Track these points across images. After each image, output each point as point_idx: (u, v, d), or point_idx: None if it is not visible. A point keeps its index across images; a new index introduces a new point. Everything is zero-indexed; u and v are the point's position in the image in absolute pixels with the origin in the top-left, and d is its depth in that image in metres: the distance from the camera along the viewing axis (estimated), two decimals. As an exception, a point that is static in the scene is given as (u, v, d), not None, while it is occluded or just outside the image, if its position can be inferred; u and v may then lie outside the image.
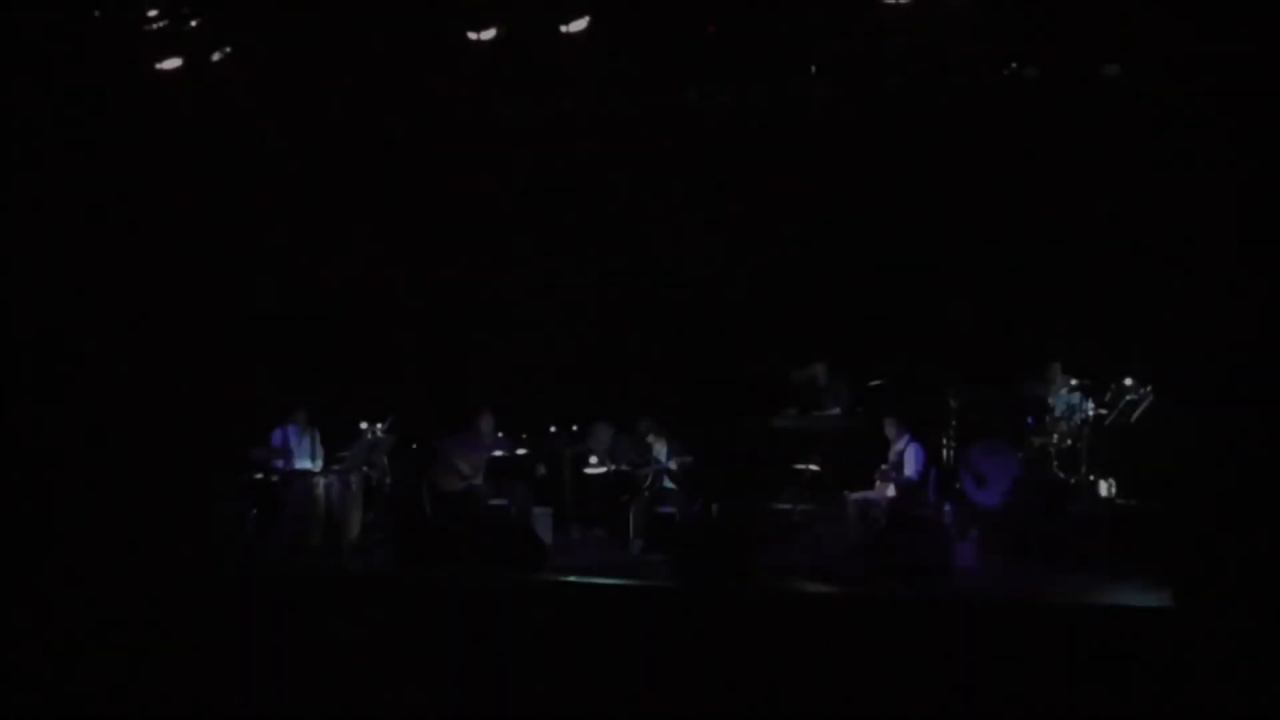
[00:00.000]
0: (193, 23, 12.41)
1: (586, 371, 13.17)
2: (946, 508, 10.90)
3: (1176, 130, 11.41)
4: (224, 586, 10.80)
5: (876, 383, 12.22)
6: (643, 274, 13.39)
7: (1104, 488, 11.50)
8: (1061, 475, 11.25)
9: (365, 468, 12.25)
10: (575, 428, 12.10)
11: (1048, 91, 11.76)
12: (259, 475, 12.41)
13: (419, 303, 13.82)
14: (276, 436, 12.18)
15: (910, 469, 11.14)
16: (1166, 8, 10.68)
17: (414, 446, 12.64)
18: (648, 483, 11.68)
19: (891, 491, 11.15)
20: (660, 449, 11.84)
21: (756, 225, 13.07)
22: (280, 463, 12.15)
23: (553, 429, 12.00)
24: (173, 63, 12.55)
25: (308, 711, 8.83)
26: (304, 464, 12.14)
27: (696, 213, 13.19)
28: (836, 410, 12.34)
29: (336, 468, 12.10)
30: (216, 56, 12.48)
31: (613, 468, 12.02)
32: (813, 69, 11.89)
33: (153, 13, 12.37)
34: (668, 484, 11.72)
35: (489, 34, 12.04)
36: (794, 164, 12.96)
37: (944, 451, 11.82)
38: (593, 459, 12.22)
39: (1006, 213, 12.38)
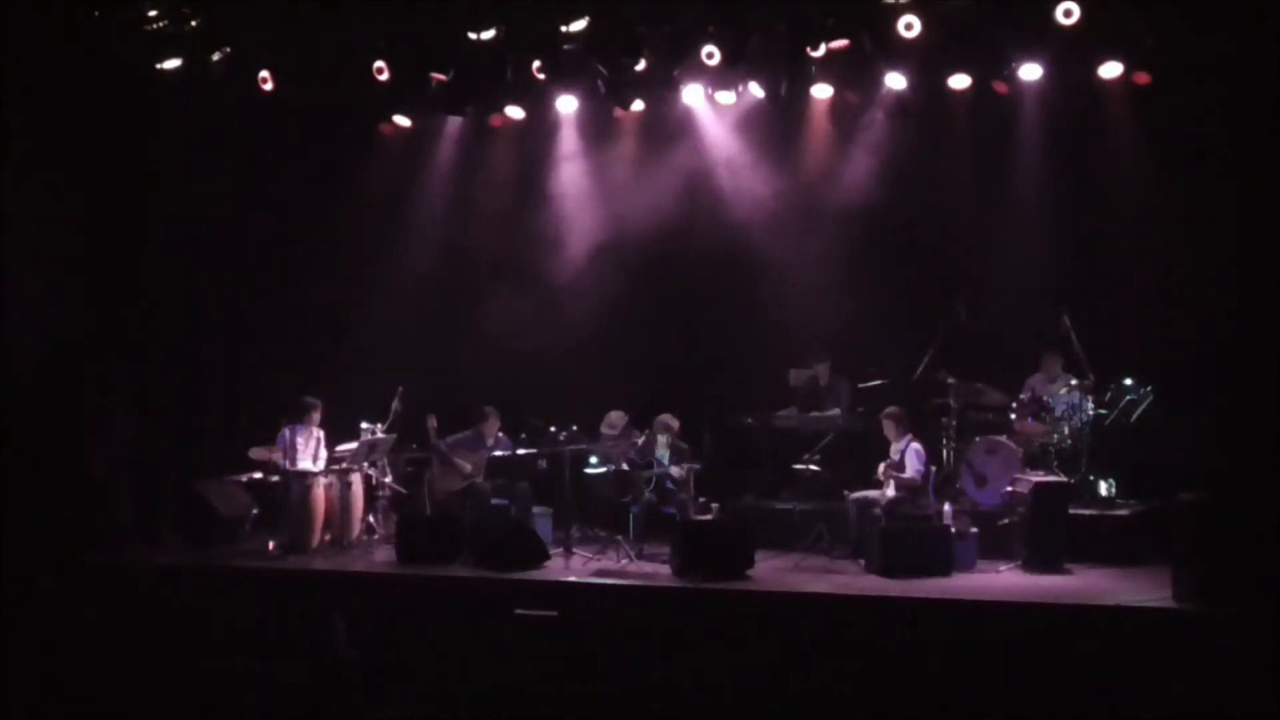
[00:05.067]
0: (193, 23, 12.42)
1: (588, 371, 13.15)
2: (946, 508, 10.90)
3: (1178, 130, 11.45)
4: (223, 585, 10.83)
5: (876, 383, 12.23)
6: (641, 273, 13.36)
7: (1104, 488, 11.51)
8: (1061, 475, 11.25)
9: (365, 467, 12.24)
10: (575, 427, 12.09)
11: (1050, 90, 11.77)
12: (259, 475, 12.42)
13: (419, 301, 13.78)
14: (283, 436, 12.14)
15: (910, 469, 11.14)
16: (1170, 9, 10.71)
17: (414, 446, 12.64)
18: (651, 485, 11.66)
19: (891, 491, 11.15)
20: (663, 450, 11.81)
21: (755, 224, 13.06)
22: (283, 462, 12.12)
23: (553, 428, 11.99)
24: (173, 63, 12.56)
25: (308, 711, 8.83)
26: (304, 464, 12.13)
27: (698, 210, 13.19)
28: (836, 410, 12.35)
29: (336, 467, 12.09)
30: (216, 56, 12.49)
31: (613, 468, 12.01)
32: (813, 69, 11.88)
33: (153, 13, 12.37)
34: (669, 484, 11.70)
35: (489, 34, 12.07)
36: (793, 162, 12.96)
37: (944, 451, 11.82)
38: (593, 459, 12.21)
39: (1006, 212, 12.37)
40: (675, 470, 11.59)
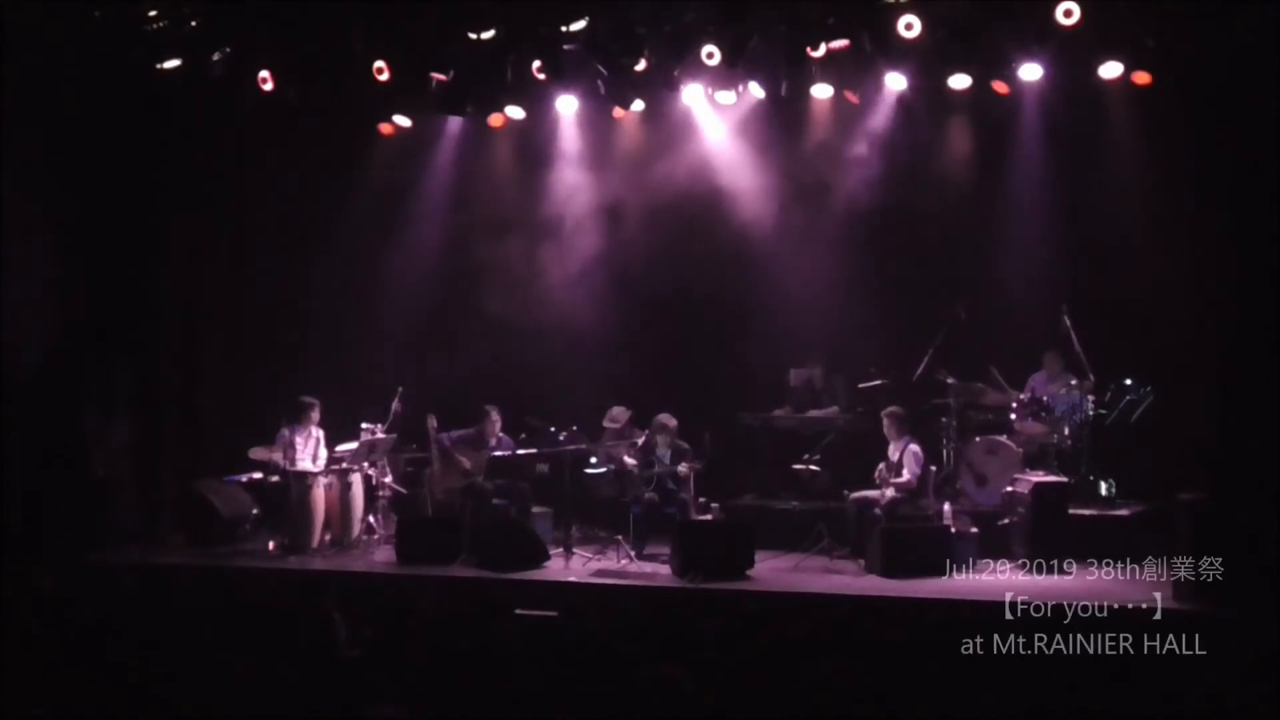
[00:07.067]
0: (193, 23, 12.42)
1: (588, 371, 13.14)
2: (946, 508, 10.90)
3: (1178, 130, 11.45)
4: (223, 585, 10.82)
5: (876, 383, 12.22)
6: (641, 272, 13.35)
7: (1104, 488, 11.51)
8: (1061, 475, 11.25)
9: (365, 467, 12.23)
10: (575, 427, 12.09)
11: (1050, 90, 11.77)
12: (259, 475, 12.42)
13: (419, 301, 13.77)
14: (282, 436, 12.14)
15: (907, 471, 11.15)
16: (1170, 9, 10.71)
17: (414, 446, 12.64)
18: (651, 484, 11.65)
19: (891, 492, 11.15)
20: (664, 449, 11.81)
21: (755, 224, 13.06)
22: (283, 462, 12.11)
23: (553, 428, 11.99)
24: (173, 63, 12.56)
25: (307, 712, 8.83)
26: (304, 464, 12.13)
27: (697, 211, 13.19)
28: (835, 410, 12.36)
29: (336, 467, 12.09)
30: (216, 56, 12.49)
31: (613, 468, 12.01)
32: (813, 69, 11.87)
33: (153, 13, 12.37)
34: (670, 484, 11.70)
35: (489, 34, 12.07)
36: (793, 162, 12.95)
37: (944, 451, 11.83)
38: (593, 459, 12.21)
39: (1007, 212, 12.37)
40: (681, 467, 11.57)
